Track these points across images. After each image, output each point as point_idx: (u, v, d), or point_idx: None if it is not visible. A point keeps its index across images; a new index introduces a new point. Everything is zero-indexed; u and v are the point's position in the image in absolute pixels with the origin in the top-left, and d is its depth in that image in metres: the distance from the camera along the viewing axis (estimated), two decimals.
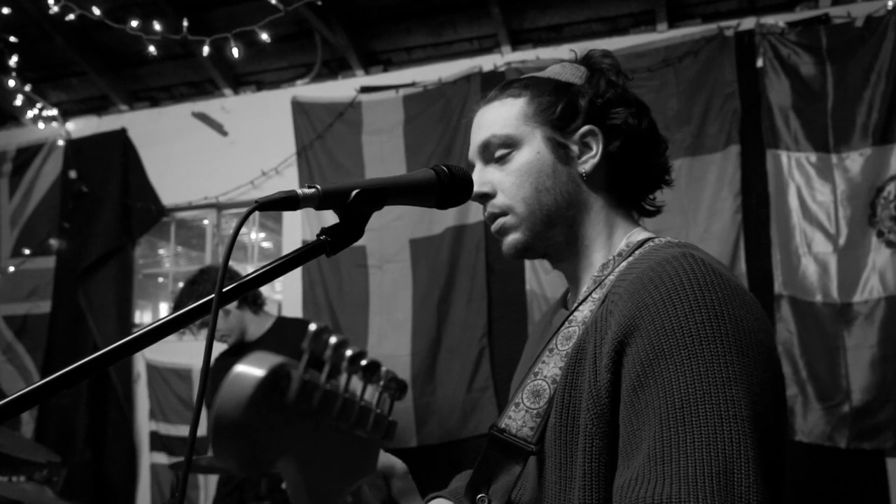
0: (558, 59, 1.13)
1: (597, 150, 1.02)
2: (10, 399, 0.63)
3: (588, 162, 1.02)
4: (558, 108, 1.03)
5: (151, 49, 3.18)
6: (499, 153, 1.04)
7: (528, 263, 3.74)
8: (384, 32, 4.22)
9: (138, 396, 4.31)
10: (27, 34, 4.20)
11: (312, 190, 0.80)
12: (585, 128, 1.02)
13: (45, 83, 4.70)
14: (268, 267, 0.81)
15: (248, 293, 2.94)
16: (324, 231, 0.83)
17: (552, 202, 1.02)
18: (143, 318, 5.09)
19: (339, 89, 4.23)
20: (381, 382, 0.59)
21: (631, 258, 0.96)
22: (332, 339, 0.53)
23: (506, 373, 3.69)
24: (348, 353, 0.54)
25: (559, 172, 1.02)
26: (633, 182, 1.07)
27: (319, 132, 4.17)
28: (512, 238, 1.03)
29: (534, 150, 1.02)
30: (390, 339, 3.87)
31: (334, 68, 4.39)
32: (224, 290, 0.77)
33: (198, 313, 0.76)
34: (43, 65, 4.57)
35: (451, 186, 0.92)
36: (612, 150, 1.03)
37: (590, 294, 0.98)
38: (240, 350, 3.00)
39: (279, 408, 0.48)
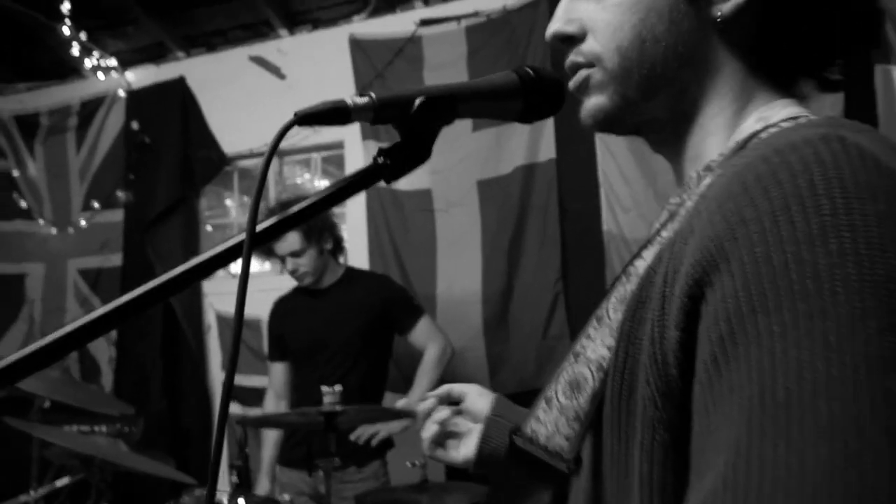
0: None
1: None
2: (78, 326, 0.60)
3: (730, 0, 0.67)
4: None
5: None
6: None
7: (604, 200, 3.49)
8: None
9: (210, 348, 4.32)
10: None
11: (366, 99, 0.67)
12: None
13: (102, 32, 4.62)
14: (315, 199, 0.68)
15: (338, 239, 2.95)
16: (382, 152, 0.69)
17: (660, 57, 0.68)
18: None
19: (399, 23, 3.99)
20: None
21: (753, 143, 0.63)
22: None
23: (583, 319, 3.48)
24: None
25: (679, 13, 0.68)
26: (801, 40, 0.68)
27: (379, 70, 3.96)
28: (594, 102, 0.72)
29: None
30: (460, 285, 3.71)
31: (392, 1, 4.15)
32: (260, 228, 0.65)
33: (232, 254, 0.65)
34: (99, 13, 4.48)
35: (537, 91, 0.74)
36: None
37: (682, 205, 0.66)
38: (311, 293, 2.96)
39: None
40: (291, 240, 2.80)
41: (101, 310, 0.60)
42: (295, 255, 2.84)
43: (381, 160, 0.69)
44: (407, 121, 0.68)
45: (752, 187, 0.50)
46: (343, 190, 0.68)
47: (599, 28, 0.70)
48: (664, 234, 0.65)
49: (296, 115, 0.65)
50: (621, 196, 3.46)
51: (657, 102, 0.70)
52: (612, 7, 0.69)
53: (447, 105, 0.70)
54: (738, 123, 0.68)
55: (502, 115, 0.76)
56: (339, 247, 2.98)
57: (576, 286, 3.56)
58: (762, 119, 0.66)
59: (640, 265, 0.65)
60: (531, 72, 0.74)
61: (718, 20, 0.67)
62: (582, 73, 0.72)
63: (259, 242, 0.65)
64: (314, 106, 0.66)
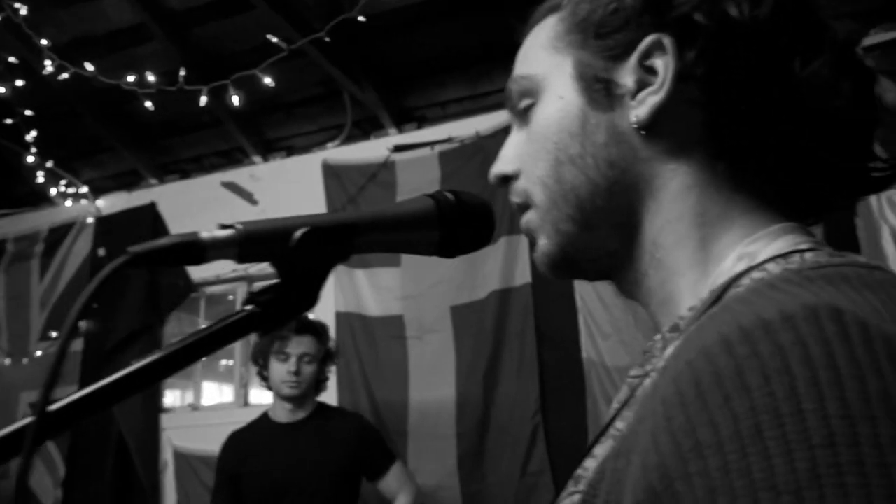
0: None
1: (664, 76, 0.53)
2: None
3: (646, 101, 0.53)
4: (599, 12, 0.56)
5: (148, 104, 3.04)
6: (521, 107, 0.62)
7: (582, 325, 3.35)
8: (417, 88, 4.00)
9: (166, 487, 4.00)
10: (56, 112, 4.12)
11: (228, 231, 0.52)
12: (648, 40, 0.53)
13: (77, 161, 4.62)
14: (155, 359, 0.52)
15: (324, 379, 2.81)
16: (253, 298, 0.55)
17: (582, 180, 0.56)
18: (178, 400, 4.82)
19: (372, 149, 3.99)
20: None
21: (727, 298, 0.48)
22: None
23: (564, 453, 3.26)
24: None
25: (592, 126, 0.56)
26: (774, 138, 0.52)
27: (352, 195, 3.91)
28: (538, 247, 0.61)
29: (555, 94, 0.58)
30: (433, 418, 3.49)
31: (366, 128, 4.17)
32: (49, 408, 0.47)
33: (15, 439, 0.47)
34: (73, 142, 4.48)
35: (459, 219, 0.61)
36: (689, 69, 0.52)
37: (642, 382, 0.53)
38: (276, 428, 2.77)
39: None
40: (308, 342, 2.70)
41: None
42: (306, 358, 2.69)
43: (251, 307, 0.54)
44: (287, 257, 0.54)
45: (710, 394, 0.36)
46: (197, 346, 0.52)
47: (525, 162, 0.61)
48: (619, 424, 0.51)
49: (129, 252, 0.49)
50: (600, 321, 3.33)
51: (602, 234, 0.58)
52: (532, 136, 0.60)
53: (339, 237, 0.56)
54: (712, 259, 0.53)
55: (414, 248, 0.62)
56: (325, 381, 2.85)
57: (556, 418, 3.35)
58: (745, 256, 0.50)
59: (590, 467, 0.50)
60: (451, 196, 0.61)
61: (637, 124, 0.54)
62: (523, 220, 0.62)
63: (57, 430, 0.49)
64: (155, 242, 0.50)
